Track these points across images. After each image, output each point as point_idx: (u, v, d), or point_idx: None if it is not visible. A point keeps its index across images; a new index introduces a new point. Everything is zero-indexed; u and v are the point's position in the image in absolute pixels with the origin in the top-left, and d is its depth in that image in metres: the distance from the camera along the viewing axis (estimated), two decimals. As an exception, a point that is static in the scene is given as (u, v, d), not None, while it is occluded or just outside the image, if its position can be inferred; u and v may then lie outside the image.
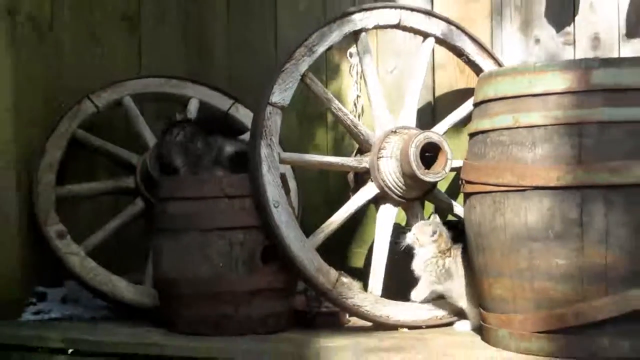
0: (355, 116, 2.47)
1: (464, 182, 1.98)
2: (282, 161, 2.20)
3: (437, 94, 2.58)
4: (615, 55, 2.34)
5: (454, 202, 2.37)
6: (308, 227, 2.21)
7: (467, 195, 1.97)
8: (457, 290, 2.10)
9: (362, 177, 2.33)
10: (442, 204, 2.38)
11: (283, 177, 2.19)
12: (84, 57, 2.79)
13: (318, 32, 2.24)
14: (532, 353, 1.80)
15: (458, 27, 2.40)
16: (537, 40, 2.44)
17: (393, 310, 2.18)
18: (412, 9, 2.36)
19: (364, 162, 2.28)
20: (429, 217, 2.23)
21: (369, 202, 2.29)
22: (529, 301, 1.81)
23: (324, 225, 2.21)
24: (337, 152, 2.64)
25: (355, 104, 2.62)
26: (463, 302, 2.11)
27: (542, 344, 1.79)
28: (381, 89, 2.34)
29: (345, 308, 2.17)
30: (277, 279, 2.17)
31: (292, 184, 2.61)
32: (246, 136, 2.57)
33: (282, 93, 2.18)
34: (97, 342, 2.18)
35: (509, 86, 1.88)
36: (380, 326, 2.18)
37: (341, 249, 2.61)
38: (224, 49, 2.88)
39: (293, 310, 2.25)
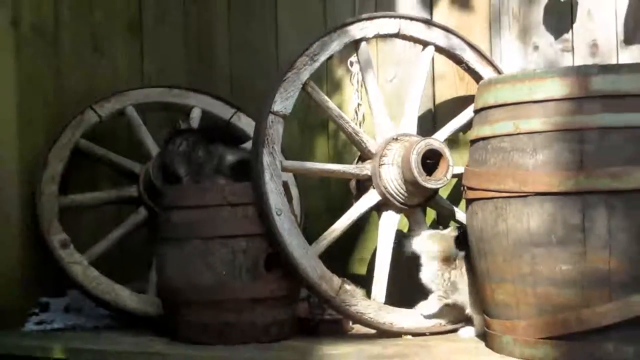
0: (356, 124, 2.48)
1: (465, 188, 1.99)
2: (284, 169, 2.21)
3: (437, 101, 2.60)
4: (614, 61, 2.35)
5: (455, 208, 2.38)
6: (310, 234, 2.22)
7: (469, 202, 1.98)
8: (464, 300, 2.11)
9: (363, 184, 2.35)
10: (444, 210, 2.39)
11: (285, 185, 2.20)
12: (87, 64, 2.80)
13: (319, 42, 2.26)
14: (537, 359, 1.81)
15: (457, 35, 2.42)
16: (536, 47, 2.46)
17: (397, 317, 2.18)
18: (411, 18, 2.38)
19: (365, 169, 2.29)
20: (431, 224, 2.23)
21: (371, 209, 2.30)
22: (532, 307, 1.82)
23: (326, 233, 2.22)
24: (339, 160, 2.65)
25: (356, 112, 2.64)
26: (468, 309, 2.12)
27: (546, 350, 1.80)
28: (382, 97, 2.35)
29: (348, 315, 2.17)
30: (280, 286, 2.17)
31: (294, 192, 2.62)
32: (248, 145, 2.59)
33: (283, 102, 2.20)
34: (100, 352, 2.19)
35: (509, 93, 1.89)
36: (384, 333, 2.18)
37: (344, 256, 2.62)
38: (225, 50, 2.90)
39: (296, 318, 2.25)
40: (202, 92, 2.81)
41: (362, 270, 2.64)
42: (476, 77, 2.43)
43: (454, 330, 2.20)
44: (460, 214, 2.35)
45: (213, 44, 2.94)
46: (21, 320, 2.50)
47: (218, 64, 2.92)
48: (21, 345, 2.29)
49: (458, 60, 2.43)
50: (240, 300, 2.14)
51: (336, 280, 2.15)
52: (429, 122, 2.57)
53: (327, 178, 2.68)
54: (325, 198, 2.72)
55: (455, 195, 2.48)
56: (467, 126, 2.37)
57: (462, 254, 2.11)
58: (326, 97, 2.30)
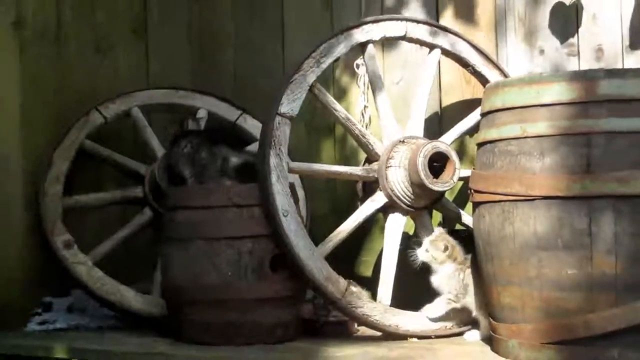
0: (362, 126, 2.49)
1: (472, 191, 1.99)
2: (291, 170, 2.21)
3: (444, 104, 2.60)
4: (619, 66, 2.36)
5: (462, 211, 2.39)
6: (316, 236, 2.22)
7: (476, 205, 1.98)
8: (472, 303, 2.11)
9: (370, 186, 2.35)
10: (451, 213, 2.39)
11: (292, 187, 2.20)
12: (90, 64, 2.80)
13: (326, 44, 2.26)
14: (542, 363, 1.81)
15: (464, 38, 2.43)
16: (542, 51, 2.47)
17: (402, 320, 2.18)
18: (417, 21, 2.39)
19: (372, 171, 2.29)
20: (436, 229, 2.22)
21: (378, 211, 2.30)
22: (538, 310, 1.82)
23: (332, 234, 2.22)
24: (345, 162, 2.66)
25: (362, 115, 2.64)
26: (475, 312, 2.12)
27: (551, 354, 1.80)
28: (388, 100, 2.36)
29: (354, 317, 2.17)
30: (286, 287, 2.17)
31: (301, 193, 2.63)
32: (254, 146, 2.59)
33: (290, 103, 2.20)
34: (104, 352, 2.18)
35: (516, 96, 1.90)
36: (389, 336, 2.17)
37: (349, 258, 2.62)
38: (230, 51, 2.91)
39: (301, 319, 2.25)
40: (208, 93, 2.81)
41: (368, 272, 2.64)
42: (482, 80, 2.43)
43: (460, 334, 2.20)
44: (466, 217, 2.35)
45: (218, 44, 2.95)
46: (24, 320, 2.49)
47: (223, 64, 2.93)
48: (24, 345, 2.28)
49: (464, 64, 2.44)
50: (246, 300, 2.14)
51: (342, 282, 2.15)
52: (436, 125, 2.57)
53: (333, 181, 2.69)
54: (331, 200, 2.72)
55: (461, 199, 2.48)
56: (474, 129, 2.37)
57: (467, 256, 2.12)
58: (333, 99, 2.31)
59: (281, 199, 2.13)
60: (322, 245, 2.18)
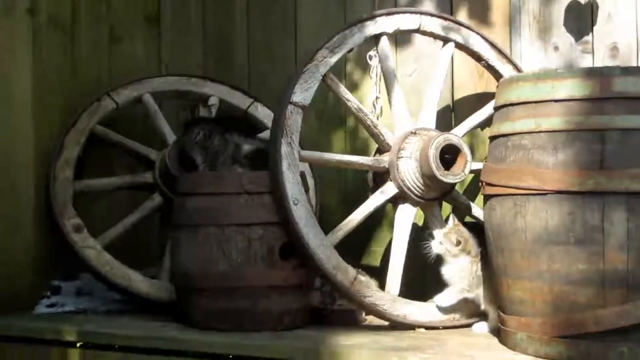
0: (374, 117, 2.49)
1: (484, 184, 2.00)
2: (302, 159, 2.22)
3: (456, 97, 2.61)
4: (634, 64, 2.36)
5: (472, 204, 2.39)
6: (326, 227, 2.22)
7: (487, 197, 1.99)
8: (482, 296, 2.11)
9: (380, 177, 2.35)
10: (461, 205, 2.39)
11: (302, 175, 2.21)
12: (103, 53, 2.81)
13: (340, 35, 2.26)
14: (551, 358, 1.81)
15: (478, 33, 2.43)
16: (556, 48, 2.47)
17: (411, 310, 2.19)
18: (432, 15, 2.39)
19: (383, 162, 2.30)
20: (447, 219, 2.23)
21: (388, 201, 2.31)
22: (549, 304, 1.82)
23: (342, 224, 2.23)
24: (355, 154, 2.65)
25: (374, 105, 2.64)
26: (483, 305, 2.12)
27: (560, 348, 1.80)
28: (401, 91, 2.36)
29: (363, 306, 2.17)
30: (295, 275, 2.18)
31: (310, 182, 2.64)
32: (265, 135, 2.60)
33: (303, 93, 2.20)
34: (113, 335, 2.19)
35: (531, 91, 1.90)
36: (397, 325, 2.18)
37: (358, 248, 2.62)
38: (243, 45, 2.91)
39: (310, 307, 2.26)
40: (220, 81, 2.82)
41: (376, 262, 2.65)
42: (496, 74, 2.43)
43: (467, 326, 2.20)
44: (476, 209, 2.36)
45: (231, 35, 2.94)
46: (33, 303, 2.50)
47: (236, 59, 2.93)
48: (33, 327, 2.29)
49: (478, 58, 2.44)
50: (255, 287, 2.15)
51: (351, 271, 2.16)
52: (448, 117, 2.58)
53: (344, 173, 2.69)
54: (341, 191, 2.73)
55: (472, 191, 2.49)
56: (486, 123, 2.38)
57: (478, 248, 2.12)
58: (345, 90, 2.31)
59: (292, 187, 2.14)
60: (331, 233, 2.19)
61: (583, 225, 1.77)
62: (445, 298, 2.15)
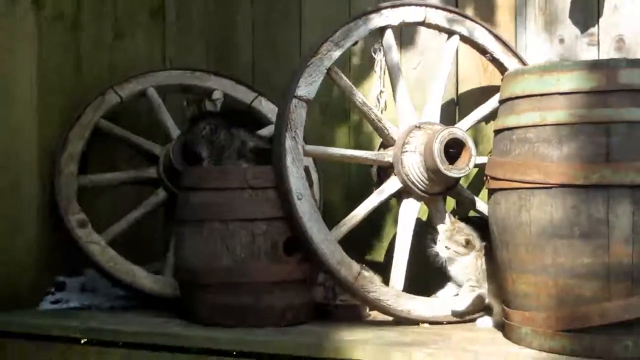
0: (378, 111, 2.48)
1: (488, 178, 1.98)
2: (306, 153, 2.21)
3: (460, 91, 2.59)
4: (640, 57, 2.34)
5: (476, 198, 2.38)
6: (330, 221, 2.21)
7: (492, 191, 1.97)
8: (486, 290, 2.10)
9: (384, 172, 2.34)
10: (465, 199, 2.38)
11: (306, 170, 2.20)
12: (107, 48, 2.81)
13: (344, 28, 2.25)
14: (555, 351, 1.80)
15: (483, 25, 2.41)
16: (561, 40, 2.45)
17: (414, 305, 2.18)
18: (437, 7, 2.38)
19: (387, 156, 2.29)
20: (446, 219, 2.20)
21: (392, 196, 2.30)
22: (553, 298, 1.81)
23: (346, 218, 2.22)
24: (359, 148, 2.65)
25: (378, 99, 2.63)
26: (488, 299, 2.11)
27: (564, 342, 1.79)
28: (405, 84, 2.35)
29: (366, 301, 2.17)
30: (299, 270, 2.17)
31: (314, 177, 2.63)
32: (269, 129, 2.59)
33: (307, 87, 2.20)
34: (117, 332, 2.19)
35: (536, 84, 1.88)
36: (401, 321, 2.18)
37: (362, 242, 2.62)
38: (247, 40, 2.90)
39: (313, 303, 2.25)
40: (224, 75, 2.81)
41: (380, 257, 2.64)
42: (501, 68, 2.42)
43: (472, 320, 2.19)
44: (481, 203, 2.34)
45: (234, 30, 2.94)
46: (37, 299, 2.51)
47: (240, 54, 2.92)
48: (38, 324, 2.29)
49: (483, 51, 2.42)
50: (259, 282, 2.15)
51: (355, 266, 2.15)
52: (452, 111, 2.56)
53: (348, 168, 2.68)
54: (345, 186, 2.72)
55: (476, 185, 2.48)
56: (490, 116, 2.36)
57: (482, 243, 2.11)
58: (350, 84, 2.30)
59: (296, 182, 2.13)
60: (335, 228, 2.18)
61: (588, 219, 1.76)
62: (461, 301, 2.12)
